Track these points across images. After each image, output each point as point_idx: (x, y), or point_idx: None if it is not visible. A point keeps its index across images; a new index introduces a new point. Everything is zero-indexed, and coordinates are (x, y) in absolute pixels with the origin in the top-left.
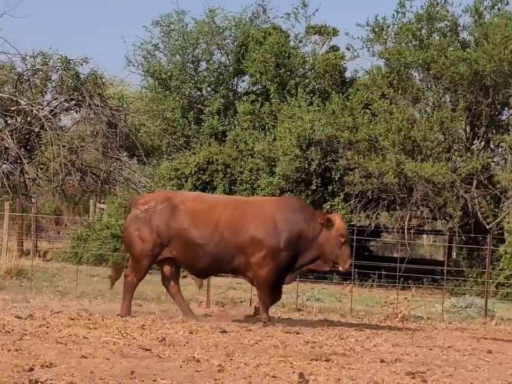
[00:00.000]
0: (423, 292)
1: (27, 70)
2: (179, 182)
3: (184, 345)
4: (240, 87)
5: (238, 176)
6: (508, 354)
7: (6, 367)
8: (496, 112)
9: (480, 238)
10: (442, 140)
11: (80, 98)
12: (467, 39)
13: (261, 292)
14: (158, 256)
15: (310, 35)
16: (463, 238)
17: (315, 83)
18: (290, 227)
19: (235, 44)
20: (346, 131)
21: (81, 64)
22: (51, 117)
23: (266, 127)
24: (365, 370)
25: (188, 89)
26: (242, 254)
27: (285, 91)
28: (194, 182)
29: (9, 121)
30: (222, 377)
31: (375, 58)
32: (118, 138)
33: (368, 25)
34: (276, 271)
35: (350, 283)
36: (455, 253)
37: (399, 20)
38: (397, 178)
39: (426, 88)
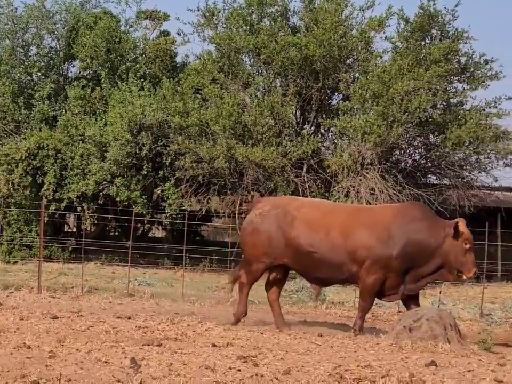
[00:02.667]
0: None
1: None
2: (9, 167)
3: (14, 331)
4: (71, 72)
5: (69, 162)
6: (338, 337)
7: None
8: (326, 97)
9: None
10: (273, 124)
11: None
12: (297, 24)
13: (363, 300)
14: (271, 262)
15: (140, 20)
16: None
17: (146, 68)
18: (408, 236)
19: (65, 28)
20: (177, 116)
21: None
22: None
23: (97, 112)
24: (197, 354)
25: (18, 74)
26: (354, 262)
27: (116, 76)
28: (25, 167)
29: None
30: (53, 363)
31: (205, 43)
32: None
33: (199, 10)
34: (382, 281)
35: (182, 268)
36: None
37: (230, 5)
38: (227, 163)
39: (256, 73)
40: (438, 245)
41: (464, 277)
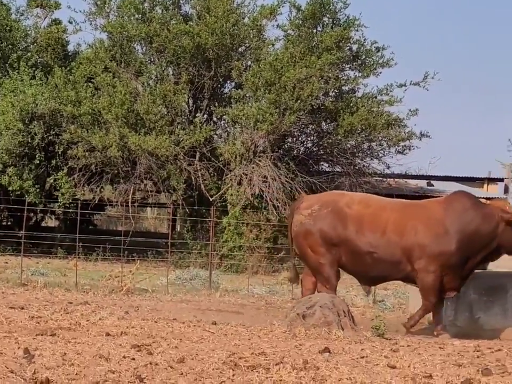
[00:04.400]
0: (148, 264)
1: None
2: None
3: None
4: None
5: None
6: (232, 325)
7: None
8: (219, 85)
9: (204, 211)
10: (165, 113)
11: None
12: (189, 13)
13: (426, 299)
14: (335, 261)
15: (31, 8)
16: (187, 210)
17: (38, 57)
18: (463, 228)
19: None
20: (70, 105)
21: None
22: None
23: None
24: (90, 344)
25: None
26: (412, 260)
27: (7, 65)
28: None
29: None
30: None
31: (97, 32)
32: None
33: None
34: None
35: (75, 257)
36: (179, 226)
37: None
38: (120, 151)
39: (149, 62)
40: (492, 231)
41: None
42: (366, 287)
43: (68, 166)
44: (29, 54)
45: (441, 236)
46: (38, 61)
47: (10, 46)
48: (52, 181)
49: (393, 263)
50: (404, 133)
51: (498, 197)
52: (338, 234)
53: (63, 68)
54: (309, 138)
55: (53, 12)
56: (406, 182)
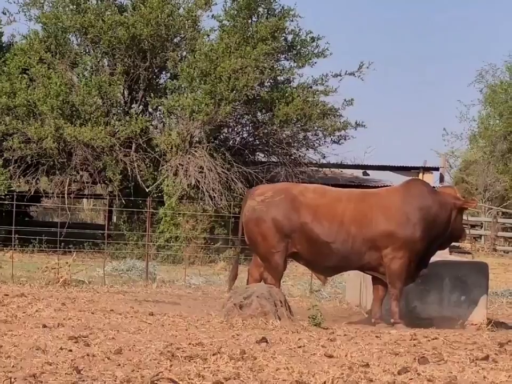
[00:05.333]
0: (84, 256)
1: None
2: None
3: None
4: None
5: None
6: (169, 316)
7: None
8: (154, 76)
9: (140, 201)
10: (101, 104)
11: None
12: (124, 3)
13: (394, 287)
14: (286, 250)
15: None
16: (123, 201)
17: None
18: (424, 214)
19: None
20: (4, 96)
21: None
22: None
23: None
24: (27, 336)
25: None
26: (373, 250)
27: None
28: None
29: None
30: None
31: (32, 23)
32: None
33: None
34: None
35: (11, 249)
36: (115, 217)
37: None
38: (56, 143)
39: (84, 53)
40: (448, 218)
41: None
42: (322, 277)
43: (3, 158)
44: None
45: (404, 224)
46: None
47: None
48: None
49: (352, 253)
50: (339, 122)
51: (447, 184)
52: (292, 223)
53: None
54: (244, 129)
55: None
56: (341, 171)
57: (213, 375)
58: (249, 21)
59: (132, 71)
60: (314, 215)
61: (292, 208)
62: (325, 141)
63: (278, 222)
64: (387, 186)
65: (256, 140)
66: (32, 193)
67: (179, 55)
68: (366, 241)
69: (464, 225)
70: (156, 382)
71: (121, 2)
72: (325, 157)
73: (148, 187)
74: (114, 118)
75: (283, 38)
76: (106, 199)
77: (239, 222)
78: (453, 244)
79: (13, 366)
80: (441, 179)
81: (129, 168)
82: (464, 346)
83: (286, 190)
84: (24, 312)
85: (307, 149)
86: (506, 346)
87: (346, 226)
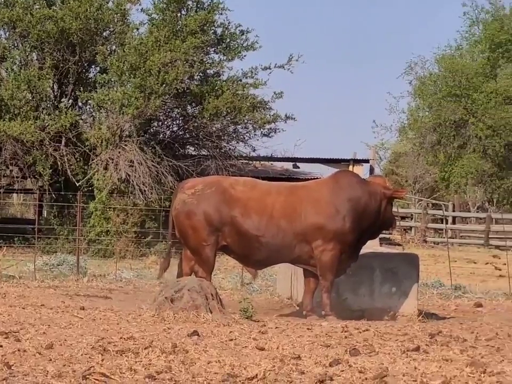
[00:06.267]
0: (15, 251)
1: None
2: None
3: None
4: None
5: None
6: (101, 310)
7: None
8: (84, 70)
9: (71, 196)
10: (30, 98)
11: None
12: None
13: (325, 280)
14: (216, 243)
15: None
16: (54, 196)
17: None
18: (353, 205)
19: None
20: None
21: None
22: None
23: None
24: None
25: None
26: (303, 242)
27: None
28: None
29: None
30: None
31: None
32: None
33: None
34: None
35: None
36: (46, 211)
37: None
38: None
39: (12, 47)
40: (378, 208)
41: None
42: (252, 271)
43: None
44: None
45: (333, 216)
46: None
47: None
48: None
49: (283, 246)
50: (269, 115)
51: (377, 174)
52: (222, 216)
53: None
54: (174, 122)
55: None
56: (272, 164)
57: (144, 369)
58: (179, 14)
59: (61, 65)
60: (244, 208)
61: (222, 201)
62: (255, 134)
63: (208, 215)
64: (317, 178)
65: (186, 134)
66: None
67: (108, 49)
68: (296, 235)
69: (394, 216)
70: (87, 376)
71: None
72: (255, 150)
73: (78, 181)
74: (43, 112)
75: (212, 31)
76: (37, 193)
77: (169, 215)
78: (384, 235)
79: None
80: (371, 171)
81: (59, 163)
82: (395, 337)
83: (216, 183)
84: None
85: (237, 142)
86: (437, 337)
87: (276, 220)
